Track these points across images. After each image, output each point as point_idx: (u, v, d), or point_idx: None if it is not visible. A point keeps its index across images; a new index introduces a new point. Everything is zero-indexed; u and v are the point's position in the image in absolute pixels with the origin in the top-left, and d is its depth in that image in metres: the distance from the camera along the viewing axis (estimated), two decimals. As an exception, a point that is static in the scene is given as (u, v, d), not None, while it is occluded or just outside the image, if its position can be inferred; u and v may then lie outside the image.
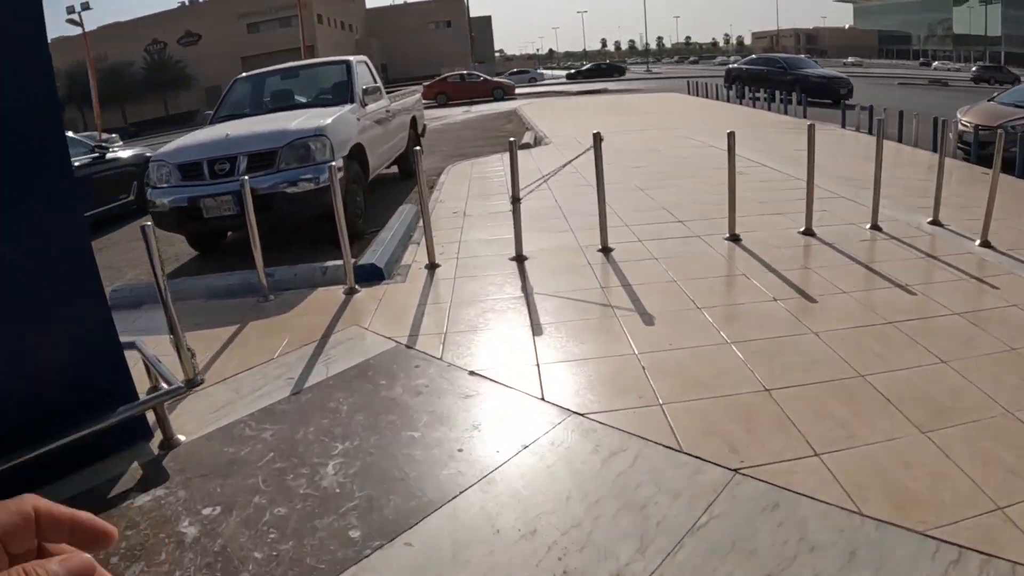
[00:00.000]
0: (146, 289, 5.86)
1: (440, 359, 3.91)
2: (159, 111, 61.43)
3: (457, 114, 27.04)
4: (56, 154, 2.97)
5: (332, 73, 8.84)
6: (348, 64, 8.56)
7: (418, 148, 5.68)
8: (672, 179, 8.74)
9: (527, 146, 13.37)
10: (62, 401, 3.11)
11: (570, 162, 6.17)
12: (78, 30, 32.57)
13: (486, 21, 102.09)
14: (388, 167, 9.61)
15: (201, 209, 6.28)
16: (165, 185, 6.53)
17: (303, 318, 4.81)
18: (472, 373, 3.71)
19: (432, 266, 5.61)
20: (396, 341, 4.20)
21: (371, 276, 5.41)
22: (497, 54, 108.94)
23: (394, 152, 9.55)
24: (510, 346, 4.03)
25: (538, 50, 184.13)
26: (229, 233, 7.50)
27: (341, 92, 8.15)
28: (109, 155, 10.43)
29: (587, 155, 6.01)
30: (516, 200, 5.54)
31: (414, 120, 11.15)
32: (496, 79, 40.42)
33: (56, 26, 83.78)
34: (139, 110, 61.60)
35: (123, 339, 4.57)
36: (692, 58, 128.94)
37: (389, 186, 10.34)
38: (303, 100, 8.60)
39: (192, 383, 3.95)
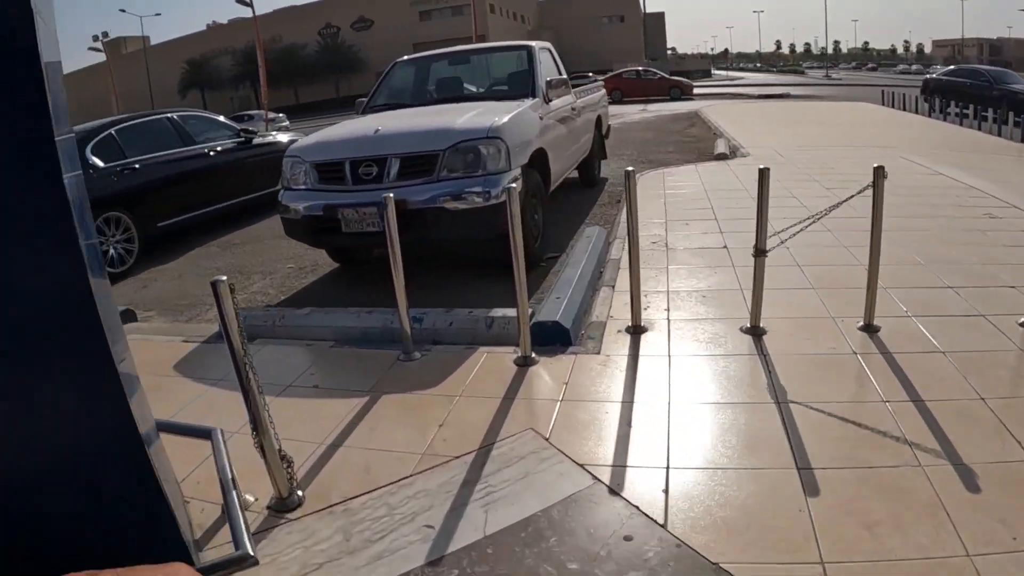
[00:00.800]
0: (266, 316, 4.77)
1: (664, 527, 2.45)
2: (330, 93, 63.69)
3: (634, 112, 25.43)
4: (42, 166, 1.79)
5: (510, 60, 7.56)
6: (530, 50, 7.23)
7: (630, 168, 4.23)
8: (913, 218, 6.80)
9: (723, 156, 11.69)
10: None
11: (842, 203, 4.50)
12: (258, 11, 33.25)
13: (659, 17, 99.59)
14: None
15: (339, 221, 5.13)
16: (300, 187, 5.45)
17: (456, 401, 3.48)
18: (719, 569, 2.24)
19: (636, 329, 4.15)
20: (592, 475, 2.77)
21: (553, 337, 4.02)
22: (669, 52, 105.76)
23: (578, 157, 8.17)
24: (773, 512, 2.50)
25: (712, 49, 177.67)
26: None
27: (521, 83, 6.84)
28: (259, 140, 9.70)
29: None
30: (762, 252, 3.98)
31: (599, 120, 9.72)
32: (674, 78, 38.32)
33: (230, 8, 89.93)
34: (311, 91, 64.20)
35: (200, 420, 3.44)
36: (870, 64, 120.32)
37: (567, 194, 8.94)
38: (474, 91, 7.37)
39: (284, 504, 2.72)
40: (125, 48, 73.29)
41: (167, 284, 6.86)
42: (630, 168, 4.22)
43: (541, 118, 6.20)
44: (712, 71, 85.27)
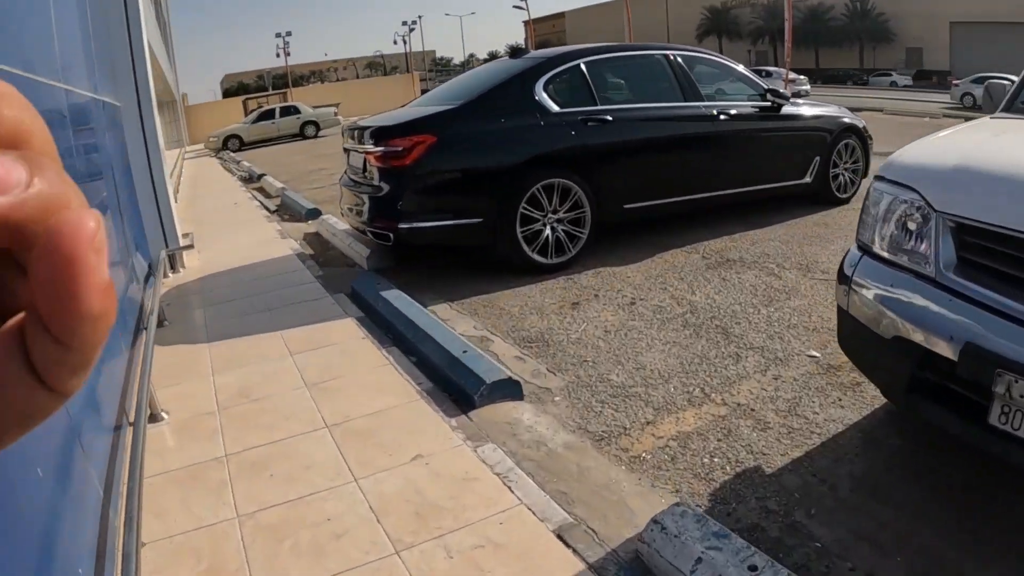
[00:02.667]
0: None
1: None
2: (853, 62, 57.11)
3: None
4: None
5: None
6: None
7: None
8: None
9: None
10: None
11: None
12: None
13: None
14: None
15: (992, 395, 1.89)
16: (902, 263, 2.28)
17: None
18: None
19: None
20: None
21: None
22: None
23: None
24: None
25: None
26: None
27: None
28: (789, 109, 6.45)
29: None
30: None
31: None
32: None
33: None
34: (833, 57, 58.44)
35: None
36: None
37: None
38: None
39: None
40: (650, -13, 74.11)
41: (608, 312, 4.23)
42: None
43: None
44: None
